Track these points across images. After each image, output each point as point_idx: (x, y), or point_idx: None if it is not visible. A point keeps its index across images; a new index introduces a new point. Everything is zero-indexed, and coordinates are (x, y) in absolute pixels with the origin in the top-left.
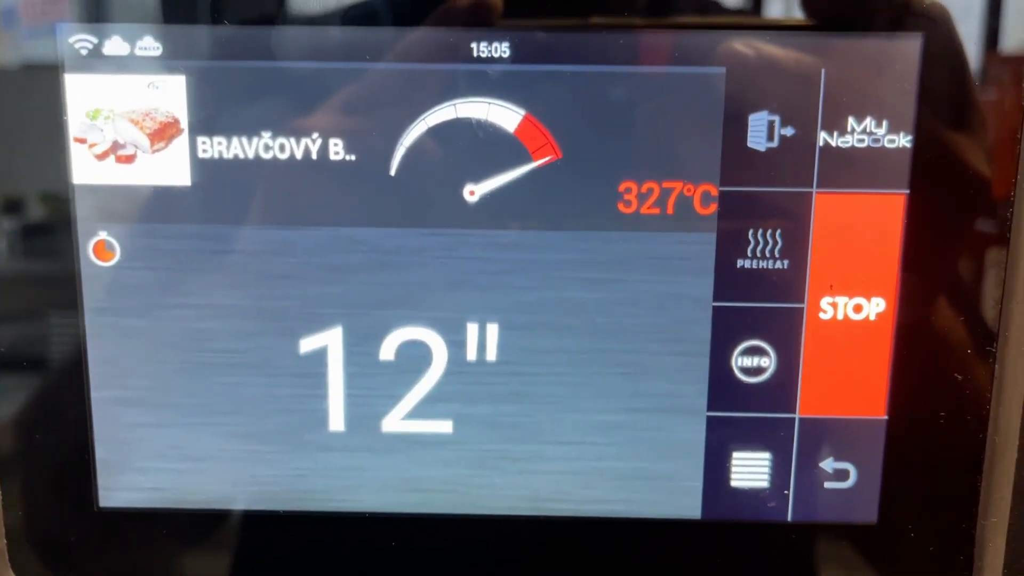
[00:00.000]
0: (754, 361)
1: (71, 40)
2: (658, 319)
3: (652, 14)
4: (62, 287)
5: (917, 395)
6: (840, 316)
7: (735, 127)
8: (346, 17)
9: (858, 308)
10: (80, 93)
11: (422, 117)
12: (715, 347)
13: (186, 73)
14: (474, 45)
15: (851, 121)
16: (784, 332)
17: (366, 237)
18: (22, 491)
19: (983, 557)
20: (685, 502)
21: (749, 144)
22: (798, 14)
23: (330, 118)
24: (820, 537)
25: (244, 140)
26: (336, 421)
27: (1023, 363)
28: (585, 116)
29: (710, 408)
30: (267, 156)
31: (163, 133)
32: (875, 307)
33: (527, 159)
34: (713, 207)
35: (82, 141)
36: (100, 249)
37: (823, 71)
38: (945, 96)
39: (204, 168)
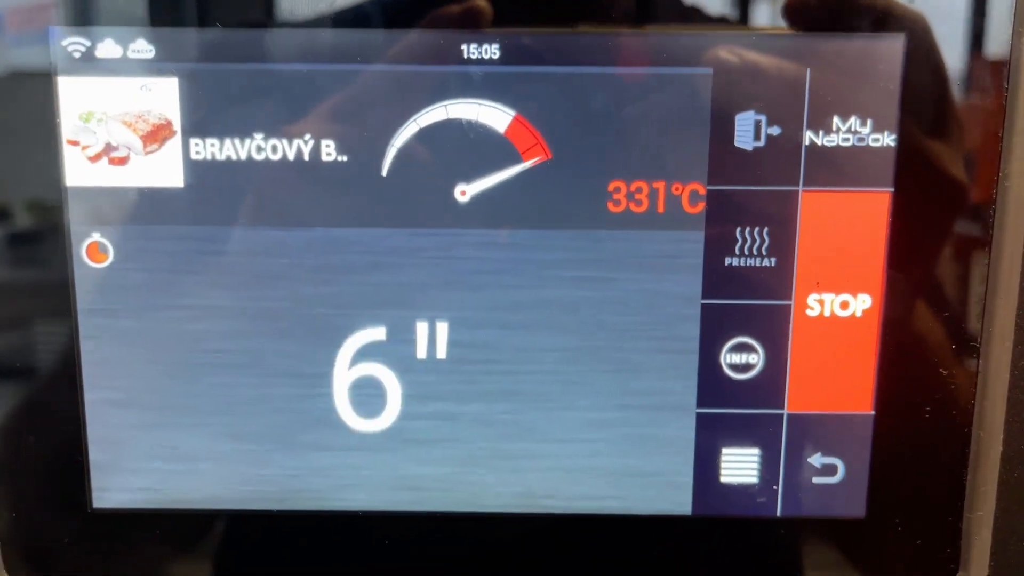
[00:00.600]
0: (742, 358)
1: (64, 43)
2: (647, 317)
3: (640, 16)
4: (55, 289)
5: (903, 391)
6: (827, 313)
7: (722, 127)
8: (337, 19)
9: (844, 305)
10: (73, 96)
11: (413, 118)
12: (704, 344)
13: (178, 75)
14: (464, 47)
15: (836, 120)
16: (772, 329)
17: (358, 238)
18: (15, 493)
19: (969, 550)
20: (675, 498)
21: (736, 144)
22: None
23: (322, 120)
24: (809, 532)
25: (237, 142)
26: (329, 420)
27: (1006, 359)
28: (574, 117)
29: (699, 405)
30: (259, 157)
31: (156, 135)
32: (861, 304)
33: (517, 159)
34: (701, 206)
35: (75, 143)
36: (93, 251)
37: (808, 71)
38: (928, 96)
39: (197, 170)
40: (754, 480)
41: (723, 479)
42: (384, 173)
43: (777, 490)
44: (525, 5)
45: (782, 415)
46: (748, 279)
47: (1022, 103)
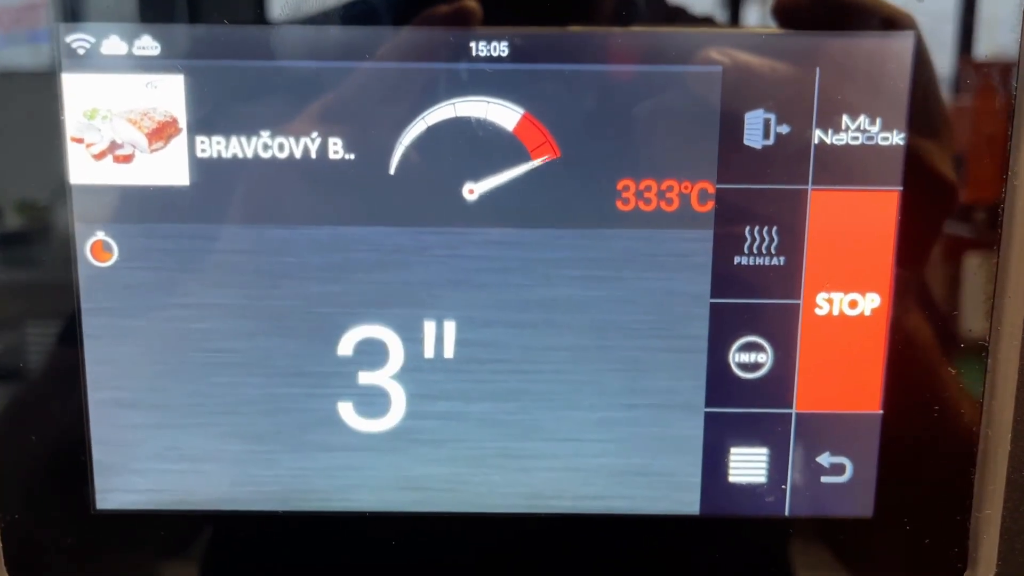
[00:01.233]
0: (751, 357)
1: (68, 39)
2: (656, 316)
3: (649, 15)
4: (59, 288)
5: (912, 390)
6: (836, 312)
7: (731, 125)
8: (344, 16)
9: (853, 304)
10: (77, 93)
11: (421, 116)
12: (713, 343)
13: (184, 72)
14: (473, 44)
15: (845, 119)
16: (781, 328)
17: (365, 236)
18: (18, 494)
19: (977, 549)
20: (684, 498)
21: (745, 142)
22: (794, 13)
23: (329, 117)
24: (817, 531)
25: (243, 139)
26: (334, 420)
27: (1015, 357)
28: (583, 115)
29: (708, 404)
30: (266, 155)
31: (161, 133)
32: (870, 303)
33: (526, 158)
34: (710, 204)
35: (79, 141)
36: (98, 249)
37: (818, 70)
38: (937, 95)
39: (203, 168)
40: (762, 480)
41: (731, 479)
42: (392, 171)
43: (785, 490)
44: (533, 3)
45: (791, 414)
46: (757, 278)
47: None
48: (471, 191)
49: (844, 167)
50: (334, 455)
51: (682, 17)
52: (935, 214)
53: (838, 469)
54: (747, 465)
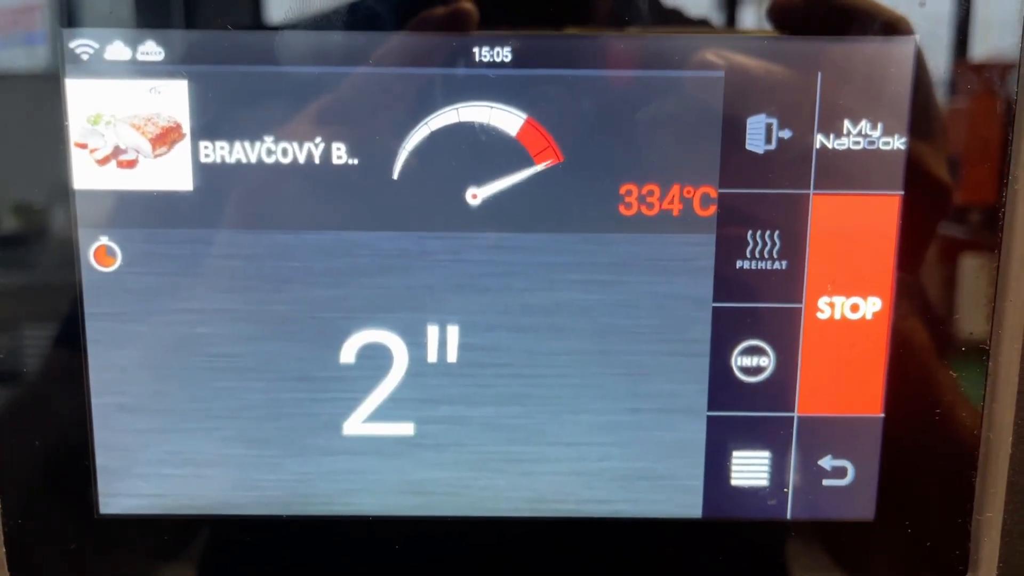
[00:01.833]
0: (753, 361)
1: (72, 45)
2: (659, 320)
3: (651, 20)
4: (63, 293)
5: (913, 393)
6: (837, 316)
7: (734, 130)
8: (347, 21)
9: (855, 308)
10: (81, 98)
11: (425, 121)
12: (715, 347)
13: (188, 78)
14: (476, 49)
15: (847, 124)
16: (783, 332)
17: (369, 241)
18: (22, 498)
19: (978, 551)
20: (686, 501)
21: (748, 147)
22: (795, 19)
23: (333, 122)
24: (819, 534)
25: (247, 144)
26: (338, 425)
27: (1016, 360)
28: (586, 120)
29: (710, 408)
30: (270, 160)
31: (165, 138)
32: (872, 307)
33: (529, 162)
34: (712, 209)
35: (83, 146)
36: (101, 255)
37: (819, 75)
38: (938, 100)
39: (206, 173)
40: (764, 483)
41: (733, 482)
42: (395, 176)
43: (787, 493)
44: (536, 8)
45: (793, 418)
46: (759, 282)
47: None
48: (474, 196)
49: (845, 172)
50: (337, 459)
51: (684, 22)
52: (936, 218)
53: (840, 472)
54: (749, 468)
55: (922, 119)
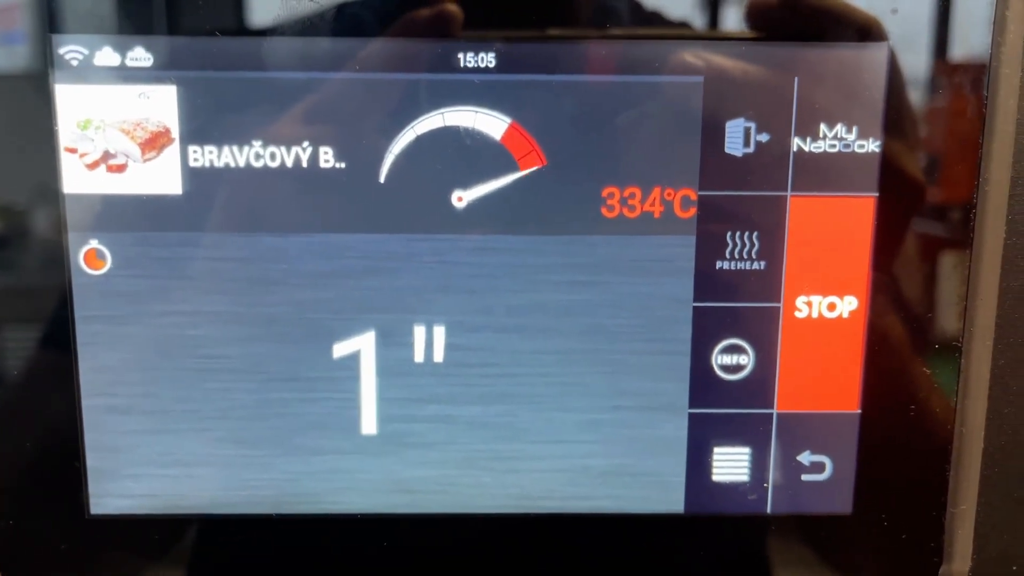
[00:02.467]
0: (733, 359)
1: (62, 51)
2: (641, 320)
3: (632, 25)
4: (53, 295)
5: (889, 389)
6: (815, 315)
7: (713, 133)
8: (333, 28)
9: (832, 307)
10: (71, 103)
11: (411, 125)
12: (696, 346)
13: (177, 83)
14: (461, 55)
15: (823, 127)
16: (761, 331)
17: (356, 243)
18: (13, 499)
19: (953, 543)
20: (668, 497)
21: (727, 150)
22: (777, 25)
23: (320, 127)
24: (798, 528)
25: (235, 149)
26: (327, 424)
27: (987, 357)
28: (569, 124)
29: (691, 405)
30: (258, 164)
31: (154, 143)
32: (848, 305)
33: (513, 166)
34: (692, 211)
35: (73, 151)
36: (91, 258)
37: (796, 79)
38: (910, 103)
39: (195, 177)
40: (745, 478)
41: (715, 478)
42: (382, 180)
43: (767, 488)
44: (519, 14)
45: (772, 414)
46: (738, 282)
47: (1001, 110)
48: (460, 199)
49: (822, 174)
50: (326, 458)
51: (664, 28)
52: (910, 219)
53: (818, 467)
54: (730, 464)
55: (896, 123)
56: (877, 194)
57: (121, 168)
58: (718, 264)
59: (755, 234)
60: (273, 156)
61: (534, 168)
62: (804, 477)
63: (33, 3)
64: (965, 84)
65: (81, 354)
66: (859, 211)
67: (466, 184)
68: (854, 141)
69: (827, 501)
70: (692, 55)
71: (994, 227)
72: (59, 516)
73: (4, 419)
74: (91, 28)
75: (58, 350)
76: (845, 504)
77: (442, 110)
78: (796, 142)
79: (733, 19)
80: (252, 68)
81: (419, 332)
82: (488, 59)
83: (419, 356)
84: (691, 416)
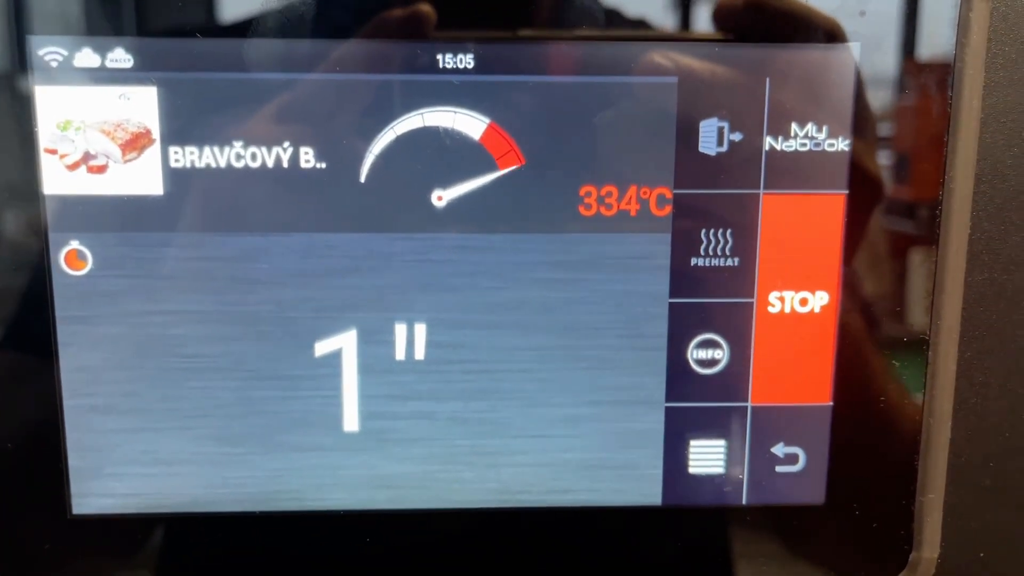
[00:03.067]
0: (708, 354)
1: (41, 52)
2: (618, 316)
3: (607, 27)
4: (33, 296)
5: (860, 382)
6: (787, 309)
7: (687, 133)
8: (312, 29)
9: (804, 302)
10: (50, 104)
11: (390, 126)
12: (672, 341)
13: (157, 84)
14: (440, 56)
15: (794, 127)
16: (736, 325)
17: (337, 242)
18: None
19: (922, 531)
20: (646, 489)
21: (700, 149)
22: (745, 26)
23: (300, 127)
24: (773, 518)
25: (216, 149)
26: (308, 421)
27: (953, 351)
28: (547, 124)
29: (668, 399)
30: (239, 165)
31: (135, 143)
32: (819, 300)
33: (492, 166)
34: (668, 209)
35: (53, 152)
36: (72, 258)
37: (767, 80)
38: (878, 103)
39: (176, 177)
40: (721, 470)
41: (691, 470)
42: (362, 179)
43: (742, 479)
44: (497, 14)
45: (746, 407)
46: (713, 278)
47: (965, 110)
48: (440, 198)
49: (793, 172)
50: (308, 455)
51: (638, 30)
52: (878, 216)
53: (792, 459)
54: (706, 457)
55: (864, 122)
56: (847, 191)
57: (102, 169)
58: (693, 261)
59: (729, 231)
60: (254, 156)
61: (513, 167)
62: (778, 468)
63: (10, 4)
64: (931, 84)
65: (62, 354)
66: (829, 208)
67: (446, 183)
68: (824, 140)
69: (800, 492)
70: (665, 56)
71: (959, 223)
72: (41, 517)
73: None
74: (70, 29)
75: (38, 351)
76: (818, 495)
77: (422, 110)
78: (768, 141)
79: (704, 21)
80: (232, 69)
81: (400, 330)
82: (467, 60)
83: (400, 354)
84: (668, 410)
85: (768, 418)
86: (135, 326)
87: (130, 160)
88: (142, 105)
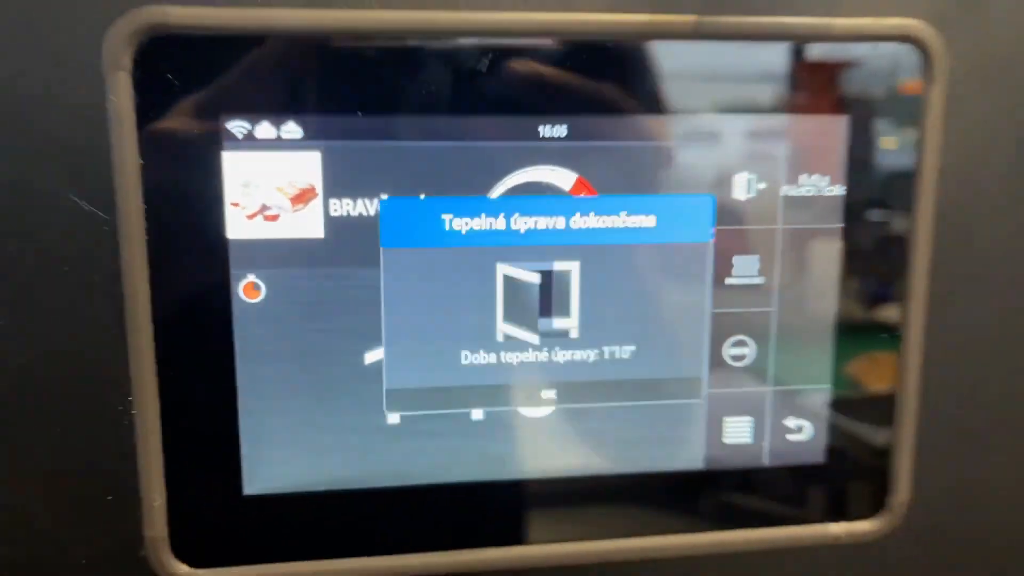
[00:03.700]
0: (739, 351)
1: (229, 126)
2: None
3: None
4: (219, 319)
5: (852, 369)
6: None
7: (725, 184)
8: (449, 106)
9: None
10: (235, 167)
11: (501, 181)
12: (713, 341)
13: (320, 151)
14: (540, 128)
15: (803, 176)
16: (760, 329)
17: None
18: (184, 484)
19: (898, 478)
20: (692, 455)
21: (733, 196)
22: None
23: (434, 184)
24: (787, 475)
25: (366, 201)
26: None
27: (919, 344)
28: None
29: (709, 386)
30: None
31: (302, 197)
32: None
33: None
34: (711, 242)
35: (236, 205)
36: (249, 289)
37: (785, 142)
38: (862, 156)
39: (335, 223)
40: (749, 440)
41: (726, 440)
42: None
43: (764, 446)
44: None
45: (767, 391)
46: (743, 292)
47: (929, 152)
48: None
49: (803, 211)
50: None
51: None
52: (867, 246)
53: (800, 430)
54: (737, 429)
55: (853, 171)
56: (843, 225)
57: (275, 217)
58: (726, 280)
59: (757, 257)
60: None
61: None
62: (789, 437)
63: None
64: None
65: (239, 364)
66: (829, 240)
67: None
68: (825, 187)
69: (807, 454)
70: (704, 123)
71: (924, 249)
72: (218, 497)
73: (176, 414)
74: (253, 109)
75: (222, 361)
76: (820, 456)
77: (526, 168)
78: (784, 188)
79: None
80: (382, 138)
81: None
82: (561, 130)
83: None
84: (709, 395)
85: (783, 399)
86: (300, 342)
87: (298, 210)
88: (308, 166)
